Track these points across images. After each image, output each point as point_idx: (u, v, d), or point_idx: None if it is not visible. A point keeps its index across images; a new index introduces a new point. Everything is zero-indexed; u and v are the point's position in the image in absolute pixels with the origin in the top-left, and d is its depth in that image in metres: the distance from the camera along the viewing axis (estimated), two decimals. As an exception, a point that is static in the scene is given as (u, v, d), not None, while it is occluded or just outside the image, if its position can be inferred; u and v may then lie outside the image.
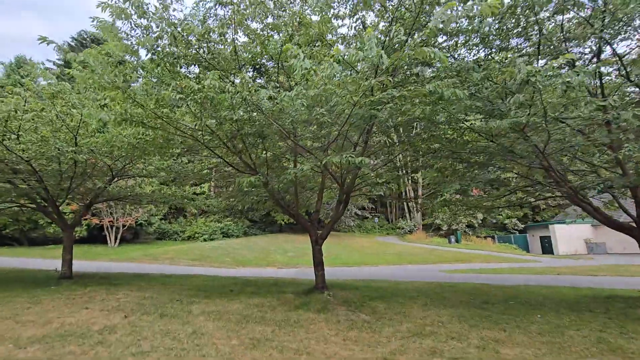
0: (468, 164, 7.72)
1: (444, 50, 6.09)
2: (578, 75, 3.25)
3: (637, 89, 6.88)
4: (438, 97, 4.27)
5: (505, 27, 5.45)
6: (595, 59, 5.72)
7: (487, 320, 5.57)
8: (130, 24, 5.34)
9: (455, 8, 3.46)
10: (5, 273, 10.95)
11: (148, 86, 5.26)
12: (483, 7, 3.23)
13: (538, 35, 5.42)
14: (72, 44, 35.86)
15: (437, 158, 7.85)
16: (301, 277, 11.73)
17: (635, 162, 6.71)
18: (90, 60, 5.20)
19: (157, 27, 5.33)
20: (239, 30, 5.63)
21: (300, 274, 13.07)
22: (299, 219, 8.04)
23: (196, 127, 5.90)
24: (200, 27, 5.84)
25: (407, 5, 5.55)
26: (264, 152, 7.55)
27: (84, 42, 35.75)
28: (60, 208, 9.91)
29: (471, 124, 7.93)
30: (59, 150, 6.90)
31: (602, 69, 6.11)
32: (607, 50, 5.93)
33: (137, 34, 5.96)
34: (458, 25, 5.52)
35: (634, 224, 7.14)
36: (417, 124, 8.02)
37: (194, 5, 6.38)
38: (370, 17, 7.02)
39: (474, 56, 6.17)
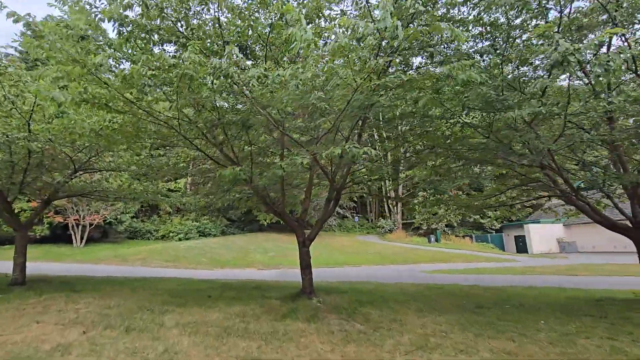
0: (466, 160, 7.36)
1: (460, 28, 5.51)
2: (622, 54, 2.86)
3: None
4: (454, 82, 3.78)
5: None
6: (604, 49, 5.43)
7: (490, 328, 5.19)
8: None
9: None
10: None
11: (115, 60, 4.48)
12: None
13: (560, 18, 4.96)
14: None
15: (432, 154, 7.45)
16: (284, 280, 11.11)
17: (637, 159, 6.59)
18: (46, 31, 4.37)
19: (126, -7, 4.57)
20: (223, 3, 4.93)
21: (283, 276, 12.44)
22: (285, 218, 7.43)
23: (171, 111, 5.15)
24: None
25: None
26: (249, 144, 6.88)
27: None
28: (13, 205, 8.80)
29: (470, 119, 7.60)
30: (7, 137, 5.95)
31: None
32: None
33: (102, 4, 5.16)
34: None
35: (629, 224, 7.02)
36: (409, 119, 7.61)
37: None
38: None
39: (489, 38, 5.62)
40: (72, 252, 20.27)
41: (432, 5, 4.54)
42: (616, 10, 4.55)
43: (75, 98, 4.10)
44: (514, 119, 4.41)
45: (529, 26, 5.03)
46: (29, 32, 4.49)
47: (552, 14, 6.75)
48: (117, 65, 5.68)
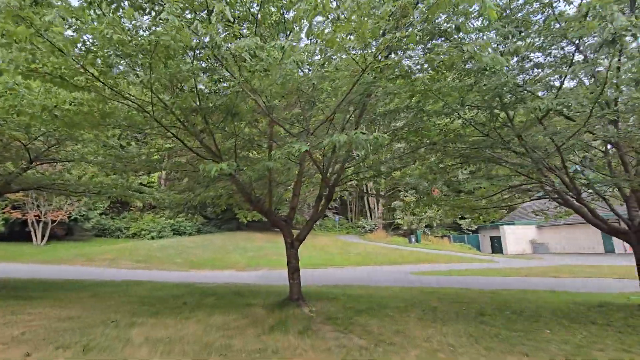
0: (464, 158, 6.96)
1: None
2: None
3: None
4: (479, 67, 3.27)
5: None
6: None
7: (498, 340, 4.77)
8: None
9: None
10: None
11: (76, 31, 3.67)
12: None
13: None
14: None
15: (431, 152, 7.00)
16: (267, 283, 10.42)
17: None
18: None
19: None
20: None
21: (265, 279, 11.73)
22: (271, 217, 6.76)
23: (142, 88, 4.37)
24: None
25: None
26: (233, 136, 6.16)
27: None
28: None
29: (469, 117, 7.21)
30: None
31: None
32: None
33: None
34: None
35: (627, 228, 6.86)
36: (405, 114, 7.15)
37: None
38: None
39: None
40: (31, 251, 18.60)
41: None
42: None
43: (19, 65, 3.27)
44: (539, 109, 3.98)
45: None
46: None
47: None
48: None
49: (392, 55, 4.29)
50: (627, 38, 2.52)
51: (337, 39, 3.17)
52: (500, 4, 4.94)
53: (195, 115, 5.45)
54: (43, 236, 20.83)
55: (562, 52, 4.86)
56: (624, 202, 7.01)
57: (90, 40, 3.73)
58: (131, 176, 10.19)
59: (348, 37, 3.22)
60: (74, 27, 3.56)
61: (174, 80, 4.67)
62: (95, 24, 4.13)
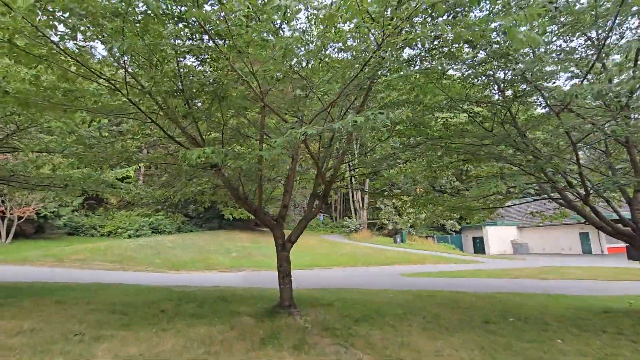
0: (467, 155, 6.58)
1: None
2: None
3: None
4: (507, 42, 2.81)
5: None
6: None
7: (512, 353, 4.37)
8: None
9: None
10: None
11: None
12: None
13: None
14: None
15: (432, 148, 6.57)
16: (252, 285, 9.77)
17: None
18: None
19: None
20: None
21: (250, 281, 11.06)
22: (261, 215, 6.15)
23: (112, 58, 3.69)
24: None
25: None
26: (220, 125, 5.52)
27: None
28: None
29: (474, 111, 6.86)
30: None
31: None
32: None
33: None
34: None
35: (632, 231, 6.63)
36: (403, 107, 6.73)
37: None
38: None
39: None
40: (-7, 250, 17.17)
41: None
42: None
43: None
44: (575, 95, 3.58)
45: None
46: None
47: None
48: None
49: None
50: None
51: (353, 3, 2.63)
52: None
53: (177, 97, 4.79)
54: (7, 234, 19.35)
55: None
56: (627, 203, 6.80)
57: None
58: (106, 169, 9.34)
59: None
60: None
61: (152, 56, 4.02)
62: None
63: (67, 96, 4.56)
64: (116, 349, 4.06)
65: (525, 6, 2.87)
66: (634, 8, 3.94)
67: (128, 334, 4.60)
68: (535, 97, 5.78)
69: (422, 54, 4.72)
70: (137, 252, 16.34)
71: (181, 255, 16.52)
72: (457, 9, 3.31)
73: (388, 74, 4.45)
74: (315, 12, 3.41)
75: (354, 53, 3.58)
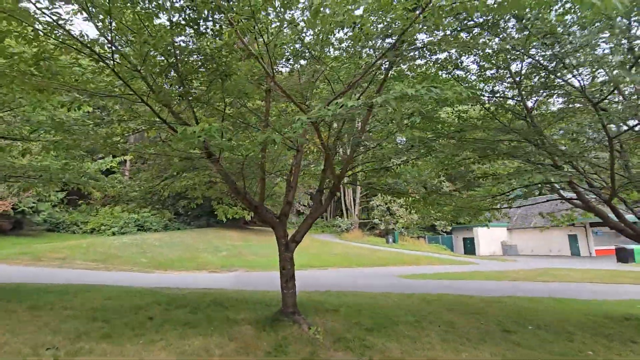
0: (482, 151, 6.15)
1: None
2: None
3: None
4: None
5: None
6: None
7: (545, 368, 3.94)
8: None
9: None
10: None
11: None
12: None
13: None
14: None
15: (449, 144, 6.12)
16: (245, 287, 9.18)
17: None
18: None
19: None
20: None
21: (242, 282, 10.45)
22: (263, 212, 5.59)
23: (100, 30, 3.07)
24: None
25: None
26: (220, 113, 4.92)
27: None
28: None
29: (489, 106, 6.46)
30: None
31: None
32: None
33: None
34: None
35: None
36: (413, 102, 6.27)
37: None
38: None
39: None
40: (-36, 247, 16.03)
41: None
42: None
43: None
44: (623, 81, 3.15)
45: None
46: None
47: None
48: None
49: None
50: None
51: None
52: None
53: (171, 78, 4.18)
54: (-19, 230, 18.19)
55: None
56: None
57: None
58: (87, 161, 8.60)
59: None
60: None
61: (142, 29, 3.42)
62: None
63: (42, 71, 3.90)
64: (96, 366, 3.46)
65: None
66: None
67: (110, 347, 3.99)
68: (560, 90, 5.39)
69: (448, 33, 4.24)
70: (121, 250, 15.49)
71: (168, 254, 15.74)
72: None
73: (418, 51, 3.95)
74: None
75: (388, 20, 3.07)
